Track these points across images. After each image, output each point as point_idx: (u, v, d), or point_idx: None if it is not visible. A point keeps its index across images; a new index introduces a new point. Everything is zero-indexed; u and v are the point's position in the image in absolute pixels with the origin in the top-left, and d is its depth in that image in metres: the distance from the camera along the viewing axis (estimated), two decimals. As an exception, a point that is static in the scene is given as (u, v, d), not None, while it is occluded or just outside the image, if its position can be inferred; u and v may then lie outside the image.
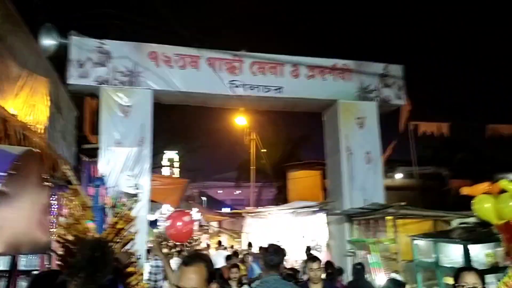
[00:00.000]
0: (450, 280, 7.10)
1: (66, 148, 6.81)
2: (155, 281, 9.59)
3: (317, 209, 11.63)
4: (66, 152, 6.89)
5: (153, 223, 27.00)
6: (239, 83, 9.87)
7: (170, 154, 56.89)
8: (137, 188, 4.80)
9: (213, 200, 48.29)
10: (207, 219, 19.39)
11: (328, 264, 8.45)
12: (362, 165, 10.33)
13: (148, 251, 10.09)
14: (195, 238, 30.51)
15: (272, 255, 3.82)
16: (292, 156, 23.52)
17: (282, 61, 10.18)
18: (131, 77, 9.25)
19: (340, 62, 10.63)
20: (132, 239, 4.48)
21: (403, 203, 8.01)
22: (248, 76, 9.95)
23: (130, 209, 4.57)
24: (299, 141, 25.76)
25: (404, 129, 11.51)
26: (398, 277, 7.85)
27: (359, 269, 7.26)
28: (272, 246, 4.07)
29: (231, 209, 39.77)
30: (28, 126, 4.77)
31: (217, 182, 53.48)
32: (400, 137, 11.92)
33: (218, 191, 56.97)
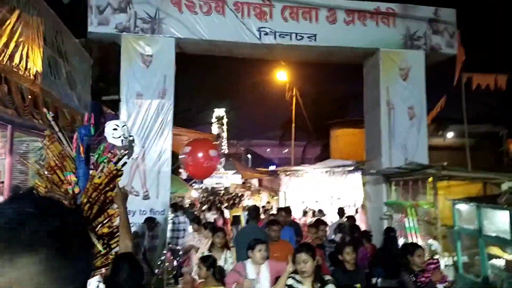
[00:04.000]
0: (495, 251, 6.28)
1: (75, 97, 6.44)
2: (177, 237, 9.38)
3: (353, 168, 10.85)
4: (76, 101, 6.53)
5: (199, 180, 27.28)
6: (268, 31, 9.05)
7: (219, 112, 57.10)
8: (127, 140, 4.27)
9: (259, 158, 48.29)
10: (246, 177, 19.10)
11: (354, 228, 7.82)
12: (404, 121, 9.37)
13: (172, 206, 9.88)
14: (239, 194, 30.83)
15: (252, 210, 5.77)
16: (337, 113, 22.50)
17: (317, 5, 9.19)
18: (153, 24, 8.69)
19: (383, 6, 9.48)
20: (111, 197, 4.00)
21: (445, 163, 7.10)
22: (279, 23, 9.10)
23: (117, 163, 4.08)
24: (344, 98, 24.60)
25: (456, 82, 10.32)
26: (435, 243, 7.12)
27: (392, 236, 6.59)
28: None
29: (276, 167, 39.63)
30: (12, 69, 4.33)
31: (263, 140, 53.30)
32: (451, 92, 10.76)
33: (267, 150, 56.93)
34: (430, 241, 7.38)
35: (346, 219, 9.54)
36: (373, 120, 9.81)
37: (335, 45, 9.34)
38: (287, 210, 7.72)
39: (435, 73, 10.04)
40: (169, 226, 9.52)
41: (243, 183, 26.71)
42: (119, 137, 4.27)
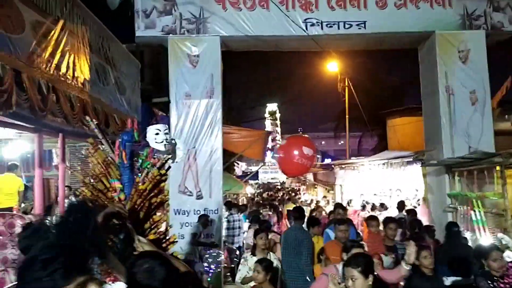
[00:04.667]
0: None
1: (125, 102, 6.54)
2: (233, 235, 9.37)
3: (412, 159, 10.33)
4: (126, 106, 6.63)
5: (254, 176, 27.40)
6: (315, 21, 8.77)
7: (271, 107, 56.99)
8: (169, 144, 4.20)
9: (315, 151, 47.79)
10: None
11: (415, 222, 7.40)
12: (466, 107, 8.76)
13: (226, 204, 9.88)
14: (295, 189, 30.57)
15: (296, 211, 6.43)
16: (393, 102, 21.64)
17: (366, -10, 8.78)
18: (198, 24, 8.69)
19: (437, -14, 8.90)
20: (163, 202, 3.96)
21: (513, 150, 6.53)
22: (325, 12, 8.78)
23: (160, 167, 4.03)
24: (399, 85, 23.65)
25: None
26: (505, 237, 6.58)
27: (455, 231, 6.15)
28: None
29: (332, 160, 38.96)
30: (60, 78, 4.41)
31: (317, 133, 52.71)
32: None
33: (321, 142, 56.22)
34: (500, 235, 6.83)
35: (406, 213, 9.12)
36: (431, 107, 9.26)
37: (386, 31, 8.89)
38: (343, 206, 7.54)
39: (497, 53, 9.28)
40: (224, 225, 9.54)
41: (299, 177, 26.41)
42: (162, 141, 4.23)
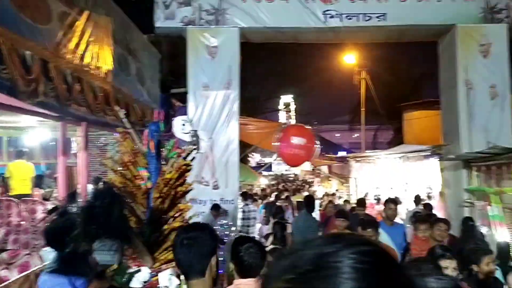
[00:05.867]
0: None
1: (145, 92, 6.64)
2: (248, 226, 9.46)
3: (429, 153, 10.27)
4: (146, 96, 6.72)
5: (268, 167, 27.44)
6: (334, 13, 8.74)
7: (286, 98, 56.79)
8: (194, 136, 4.28)
9: (329, 143, 47.53)
10: (314, 164, 18.86)
11: (430, 216, 7.36)
12: (486, 102, 8.65)
13: (242, 195, 9.96)
14: (308, 181, 30.55)
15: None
16: (410, 95, 21.43)
17: (386, -18, 8.71)
18: (217, 15, 8.72)
19: (459, -22, 8.78)
20: (187, 191, 4.04)
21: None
22: (345, 4, 8.74)
23: (186, 158, 4.12)
24: (417, 79, 23.37)
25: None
26: (524, 234, 6.53)
27: (471, 226, 6.13)
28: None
29: (347, 153, 38.77)
30: (84, 68, 4.50)
31: (332, 125, 52.41)
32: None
33: (336, 135, 55.91)
34: (518, 231, 6.80)
35: (422, 206, 9.09)
36: (450, 101, 9.18)
37: (406, 23, 8.81)
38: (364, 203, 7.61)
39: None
40: (240, 215, 9.64)
41: (313, 169, 26.42)
42: (188, 132, 4.33)
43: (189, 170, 4.21)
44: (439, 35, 9.34)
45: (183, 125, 4.28)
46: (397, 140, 21.55)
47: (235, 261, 2.70)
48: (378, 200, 11.63)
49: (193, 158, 4.49)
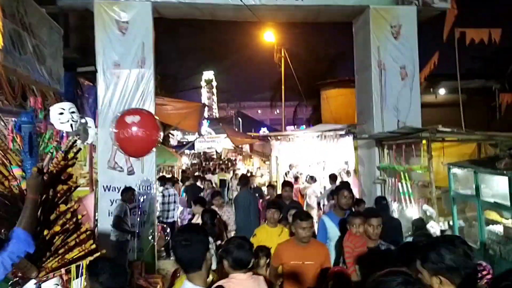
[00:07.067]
0: (492, 216, 6.11)
1: (45, 72, 5.99)
2: (168, 210, 9.17)
3: (344, 132, 10.57)
4: (47, 76, 6.08)
5: (191, 146, 26.93)
6: (251, -9, 8.49)
7: (208, 75, 55.87)
8: (77, 124, 3.85)
9: (250, 120, 47.84)
10: (236, 143, 18.81)
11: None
12: (396, 82, 8.97)
13: (160, 179, 9.60)
14: (232, 159, 30.58)
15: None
16: (327, 73, 22.03)
17: (302, -39, 8.59)
18: (127, -13, 8.10)
19: (372, -40, 8.90)
20: (71, 189, 3.63)
21: (439, 126, 6.80)
22: (263, -18, 8.52)
23: (67, 151, 3.69)
24: (334, 58, 24.02)
25: (447, 38, 9.86)
26: (429, 209, 6.94)
27: (384, 205, 6.37)
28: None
29: (268, 129, 39.29)
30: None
31: (253, 102, 52.83)
32: (444, 48, 10.31)
33: (258, 111, 56.41)
34: (425, 206, 7.21)
35: (339, 184, 9.34)
36: (364, 82, 9.42)
37: (322, 3, 8.79)
38: (291, 184, 7.80)
39: (428, 29, 9.56)
40: (159, 200, 9.29)
41: (235, 148, 26.42)
42: (68, 121, 3.86)
43: (71, 166, 3.78)
44: (353, 15, 9.48)
45: (61, 114, 3.81)
46: (315, 116, 22.14)
47: (228, 257, 3.11)
48: (297, 178, 11.84)
49: (79, 150, 4.06)
